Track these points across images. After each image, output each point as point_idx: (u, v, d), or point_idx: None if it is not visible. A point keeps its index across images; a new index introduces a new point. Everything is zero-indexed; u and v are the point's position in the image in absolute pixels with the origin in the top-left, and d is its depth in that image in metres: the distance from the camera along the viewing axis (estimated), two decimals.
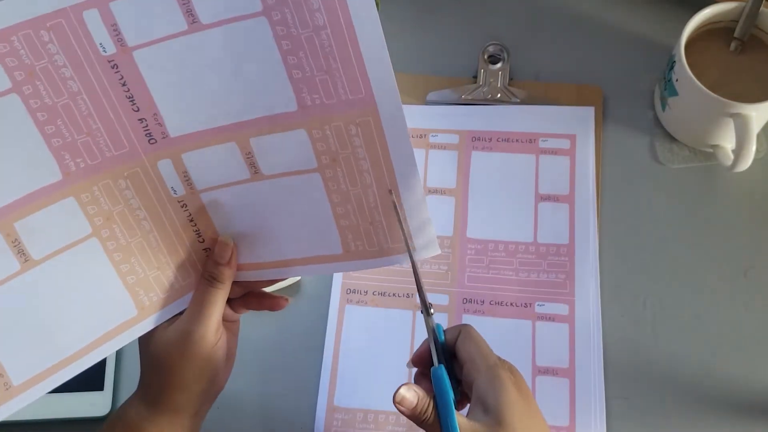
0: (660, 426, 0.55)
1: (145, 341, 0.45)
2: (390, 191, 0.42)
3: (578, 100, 0.65)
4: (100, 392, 0.57)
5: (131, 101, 0.40)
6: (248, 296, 0.49)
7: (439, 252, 0.45)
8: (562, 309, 0.58)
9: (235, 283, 0.46)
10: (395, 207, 0.42)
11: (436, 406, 0.40)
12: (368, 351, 0.58)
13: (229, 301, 0.47)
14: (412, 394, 0.40)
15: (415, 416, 0.40)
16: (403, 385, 0.40)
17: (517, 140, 0.64)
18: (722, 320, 0.58)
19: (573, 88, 0.66)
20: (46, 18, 0.37)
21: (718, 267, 0.59)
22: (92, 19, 0.37)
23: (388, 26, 0.68)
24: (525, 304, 0.59)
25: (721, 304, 0.58)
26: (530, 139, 0.64)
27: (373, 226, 0.44)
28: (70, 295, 0.42)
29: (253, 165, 0.42)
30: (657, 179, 0.62)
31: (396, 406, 0.40)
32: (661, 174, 0.63)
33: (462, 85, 0.66)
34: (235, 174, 0.43)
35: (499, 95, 0.65)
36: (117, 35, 0.38)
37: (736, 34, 0.59)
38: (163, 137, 0.41)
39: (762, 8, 0.58)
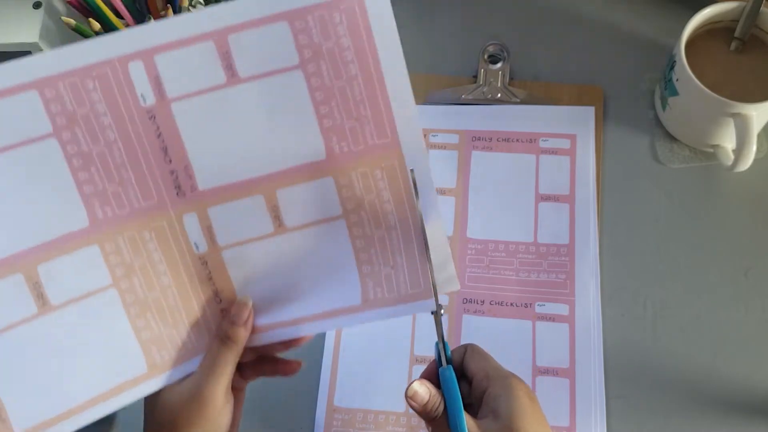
0: (660, 426, 0.55)
1: (150, 399, 0.44)
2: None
3: (578, 100, 0.65)
4: None
5: (164, 152, 0.40)
6: (260, 361, 0.48)
7: (458, 287, 0.45)
8: (562, 309, 0.58)
9: (248, 348, 0.45)
10: (423, 232, 0.42)
11: (446, 407, 0.41)
12: (368, 351, 0.58)
13: (239, 368, 0.45)
14: (425, 390, 0.40)
15: (425, 413, 0.41)
16: (416, 380, 0.41)
17: (517, 140, 0.64)
18: (722, 320, 0.58)
19: (573, 88, 0.66)
20: (94, 68, 0.38)
21: (718, 267, 0.59)
22: (137, 70, 0.38)
23: None
24: (525, 304, 0.59)
25: (721, 304, 0.58)
26: (530, 139, 0.64)
27: (394, 270, 0.44)
28: (83, 344, 0.41)
29: (277, 218, 0.42)
30: (657, 179, 0.62)
31: (407, 400, 0.40)
32: (661, 174, 0.63)
33: (462, 85, 0.66)
34: (258, 228, 0.42)
35: (499, 95, 0.65)
36: (158, 87, 0.39)
37: (736, 34, 0.59)
38: (192, 190, 0.41)
39: (762, 8, 0.58)
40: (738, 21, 0.59)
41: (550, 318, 0.58)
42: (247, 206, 0.42)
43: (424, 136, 0.64)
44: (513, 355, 0.57)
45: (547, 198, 0.62)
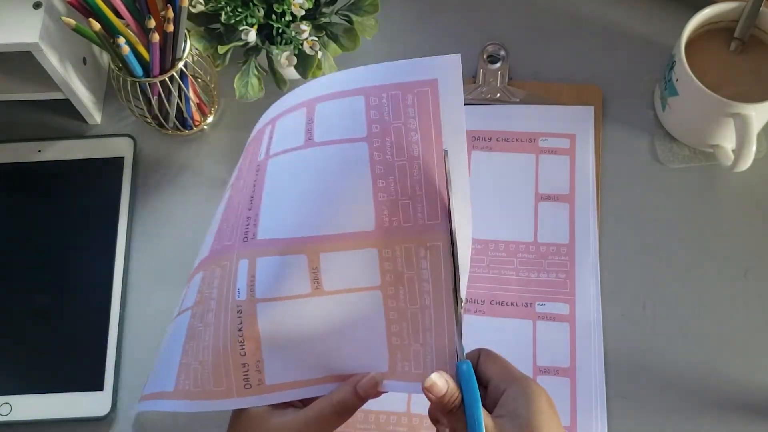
0: (660, 426, 0.55)
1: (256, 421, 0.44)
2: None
3: (578, 100, 0.65)
4: (100, 392, 0.57)
5: (251, 201, 0.45)
6: None
7: None
8: (562, 308, 0.58)
9: None
10: (456, 317, 0.43)
11: (462, 401, 0.41)
12: None
13: None
14: (443, 382, 0.40)
15: (442, 404, 0.41)
16: (435, 371, 0.41)
17: (516, 140, 0.64)
18: (722, 320, 0.58)
19: (572, 88, 0.66)
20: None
21: (717, 267, 0.59)
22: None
23: (388, 26, 0.68)
24: (525, 303, 0.59)
25: (721, 304, 0.58)
26: (530, 139, 0.64)
27: (423, 348, 0.44)
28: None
29: (316, 279, 0.43)
30: (657, 179, 0.62)
31: (424, 392, 0.40)
32: (661, 174, 0.63)
33: None
34: (296, 287, 0.43)
35: (498, 95, 0.65)
36: (267, 149, 0.46)
37: (736, 34, 0.59)
38: (252, 237, 0.44)
39: (762, 8, 0.58)
40: (738, 21, 0.59)
41: (550, 317, 0.58)
42: (290, 263, 0.43)
43: None
44: (513, 354, 0.56)
45: (546, 197, 0.62)
